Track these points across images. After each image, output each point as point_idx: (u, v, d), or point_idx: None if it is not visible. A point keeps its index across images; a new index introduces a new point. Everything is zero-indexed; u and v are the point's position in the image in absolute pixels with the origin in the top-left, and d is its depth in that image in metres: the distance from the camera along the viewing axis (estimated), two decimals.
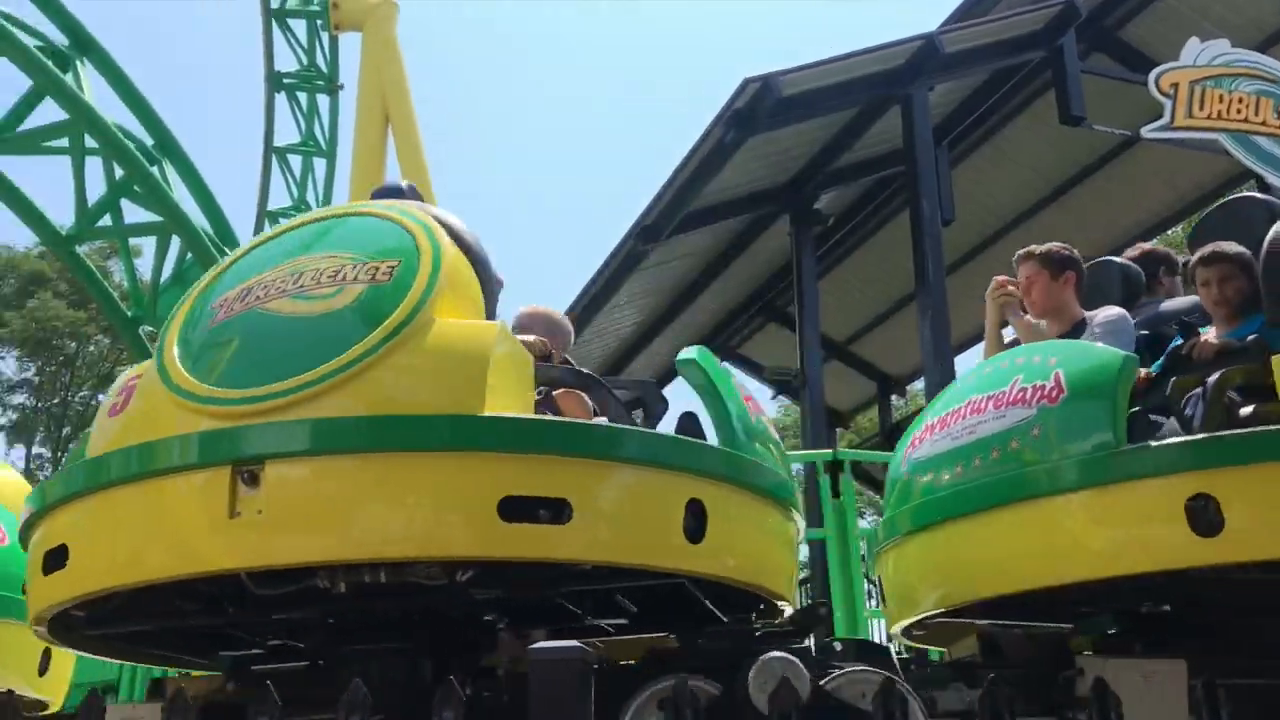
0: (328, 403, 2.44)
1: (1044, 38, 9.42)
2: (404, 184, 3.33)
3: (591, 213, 60.89)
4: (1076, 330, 3.81)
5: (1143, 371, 3.16)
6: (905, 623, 3.36)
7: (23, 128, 9.82)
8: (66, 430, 38.13)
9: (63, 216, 11.20)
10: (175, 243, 10.57)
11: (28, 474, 40.27)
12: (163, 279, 10.83)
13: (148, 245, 11.82)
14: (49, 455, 39.00)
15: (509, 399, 2.53)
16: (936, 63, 9.13)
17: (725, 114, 8.95)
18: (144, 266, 13.10)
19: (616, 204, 61.79)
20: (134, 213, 10.62)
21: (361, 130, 17.34)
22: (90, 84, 10.06)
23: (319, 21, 18.11)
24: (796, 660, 2.45)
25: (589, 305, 12.65)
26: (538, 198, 67.48)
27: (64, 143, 9.93)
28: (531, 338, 3.27)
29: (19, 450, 39.65)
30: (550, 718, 2.16)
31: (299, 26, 18.95)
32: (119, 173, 10.11)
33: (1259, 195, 4.64)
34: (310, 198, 19.59)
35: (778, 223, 11.21)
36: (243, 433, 2.39)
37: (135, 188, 10.18)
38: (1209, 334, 3.41)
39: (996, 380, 3.15)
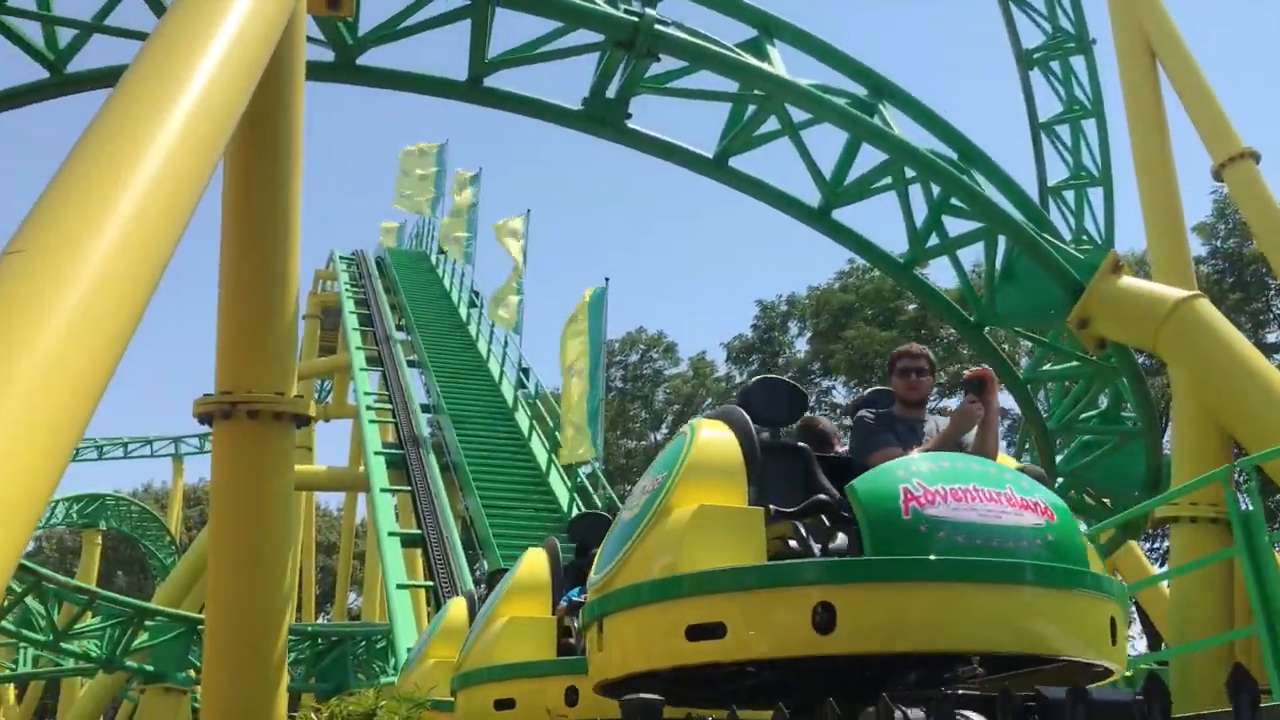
0: (621, 577, 4.32)
1: None
2: None
3: None
4: None
5: None
6: None
7: (850, 179, 10.98)
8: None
9: (890, 245, 12.25)
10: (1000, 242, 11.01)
11: None
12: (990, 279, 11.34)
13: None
14: None
15: (715, 553, 4.09)
16: None
17: None
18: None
19: None
20: (952, 225, 11.27)
21: (1128, 76, 16.57)
22: (894, 120, 10.92)
23: None
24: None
25: None
26: None
27: (886, 180, 10.90)
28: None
29: None
30: None
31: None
32: (936, 192, 10.80)
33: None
34: (1087, 161, 19.13)
35: None
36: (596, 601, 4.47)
37: (953, 201, 10.78)
38: None
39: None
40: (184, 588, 28.94)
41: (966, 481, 3.99)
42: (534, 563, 6.43)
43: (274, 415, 7.57)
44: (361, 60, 9.79)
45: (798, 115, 10.57)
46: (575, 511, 17.82)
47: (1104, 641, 4.01)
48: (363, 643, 21.91)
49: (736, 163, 11.04)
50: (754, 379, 5.20)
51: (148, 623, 20.52)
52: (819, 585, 3.83)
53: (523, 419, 21.89)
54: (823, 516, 4.43)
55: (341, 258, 32.18)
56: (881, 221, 11.38)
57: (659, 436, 47.18)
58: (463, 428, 21.06)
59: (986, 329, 11.86)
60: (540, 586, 6.31)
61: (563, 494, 18.99)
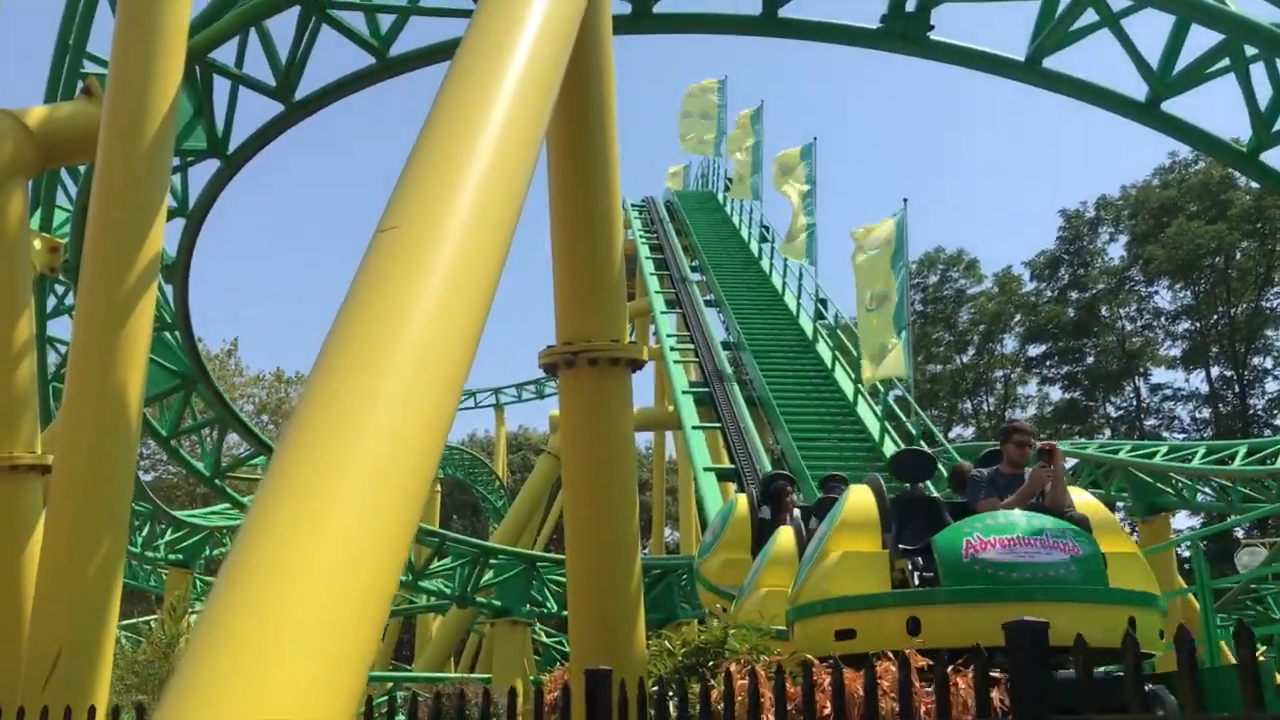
0: (801, 596, 6.70)
1: None
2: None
3: None
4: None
5: None
6: None
7: (1179, 67, 10.08)
8: (1240, 346, 37.83)
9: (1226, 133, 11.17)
10: None
11: (1212, 396, 40.97)
12: None
13: None
14: (1231, 374, 39.12)
15: (853, 583, 6.24)
16: None
17: None
18: None
19: None
20: None
21: None
22: None
23: None
24: None
25: None
26: None
27: (1223, 63, 9.92)
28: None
29: (1198, 375, 40.58)
30: None
31: None
32: None
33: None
34: None
35: None
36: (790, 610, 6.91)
37: None
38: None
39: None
40: (519, 528, 30.93)
41: (1012, 533, 6.00)
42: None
43: (611, 361, 7.93)
44: (658, 8, 9.92)
45: (1116, 4, 9.79)
46: (887, 441, 17.59)
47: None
48: (685, 574, 22.68)
49: (1050, 63, 10.38)
50: (901, 450, 7.40)
51: (491, 561, 22.15)
52: (909, 606, 5.95)
53: (824, 350, 21.75)
54: (919, 558, 6.33)
55: (633, 205, 32.97)
56: (1210, 108, 10.35)
57: (964, 359, 45.59)
58: (765, 362, 21.18)
59: None
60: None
61: (872, 423, 18.75)
